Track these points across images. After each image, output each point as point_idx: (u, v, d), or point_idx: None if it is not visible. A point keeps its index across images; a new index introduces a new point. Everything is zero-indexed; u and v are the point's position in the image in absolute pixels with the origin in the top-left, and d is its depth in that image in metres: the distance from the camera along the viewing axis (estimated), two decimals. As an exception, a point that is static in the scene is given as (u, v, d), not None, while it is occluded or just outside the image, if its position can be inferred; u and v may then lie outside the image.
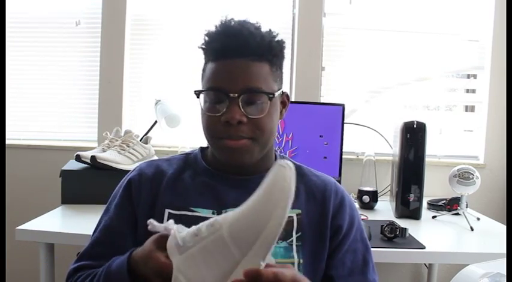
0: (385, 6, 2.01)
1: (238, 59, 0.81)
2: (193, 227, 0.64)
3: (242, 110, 0.81)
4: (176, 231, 0.64)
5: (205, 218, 0.83)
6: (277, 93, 0.85)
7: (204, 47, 0.86)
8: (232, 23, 0.84)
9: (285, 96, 0.92)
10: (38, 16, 2.07)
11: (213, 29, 0.85)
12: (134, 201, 0.88)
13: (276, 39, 0.86)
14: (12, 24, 2.02)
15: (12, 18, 2.03)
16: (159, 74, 2.05)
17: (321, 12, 1.97)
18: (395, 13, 2.01)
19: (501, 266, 0.81)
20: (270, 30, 0.86)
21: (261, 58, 0.83)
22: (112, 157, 1.57)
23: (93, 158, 1.53)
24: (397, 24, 2.01)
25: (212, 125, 0.83)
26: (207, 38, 0.85)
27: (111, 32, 1.99)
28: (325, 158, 1.75)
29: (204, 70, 0.87)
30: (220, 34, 0.83)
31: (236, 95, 0.80)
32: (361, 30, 2.02)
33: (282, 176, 0.60)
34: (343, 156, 1.76)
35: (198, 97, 0.85)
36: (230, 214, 0.63)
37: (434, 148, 1.90)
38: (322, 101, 2.00)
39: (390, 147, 1.88)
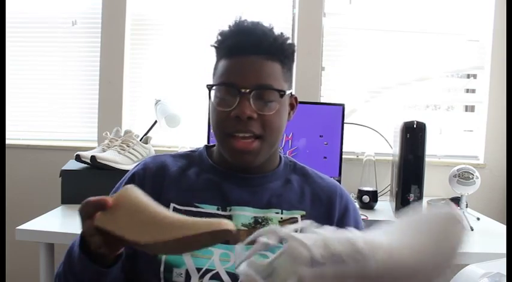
0: (385, 6, 2.01)
1: (251, 56, 0.83)
2: (321, 240, 0.54)
3: (253, 106, 0.82)
4: (307, 242, 0.54)
5: (210, 214, 0.85)
6: (287, 92, 0.87)
7: (216, 45, 0.88)
8: (246, 23, 0.86)
9: (293, 99, 0.94)
10: (37, 16, 2.07)
11: (226, 28, 0.87)
12: None
13: (288, 41, 0.88)
14: (12, 24, 2.02)
15: (13, 18, 2.02)
16: (159, 74, 2.05)
17: (321, 12, 1.97)
18: (395, 13, 2.00)
19: (501, 266, 0.80)
20: (281, 33, 0.88)
21: (273, 57, 0.85)
22: (112, 157, 1.57)
23: (93, 158, 1.53)
24: (397, 24, 2.01)
25: (222, 119, 0.84)
26: (220, 37, 0.87)
27: (111, 32, 1.99)
28: (325, 158, 1.75)
29: (215, 68, 0.89)
30: (234, 32, 0.86)
31: (247, 90, 0.82)
32: (361, 30, 2.02)
33: (456, 233, 0.54)
34: (343, 156, 1.76)
35: (209, 92, 0.86)
36: (382, 245, 0.53)
37: (434, 148, 1.89)
38: (322, 101, 2.00)
39: (390, 147, 1.88)
